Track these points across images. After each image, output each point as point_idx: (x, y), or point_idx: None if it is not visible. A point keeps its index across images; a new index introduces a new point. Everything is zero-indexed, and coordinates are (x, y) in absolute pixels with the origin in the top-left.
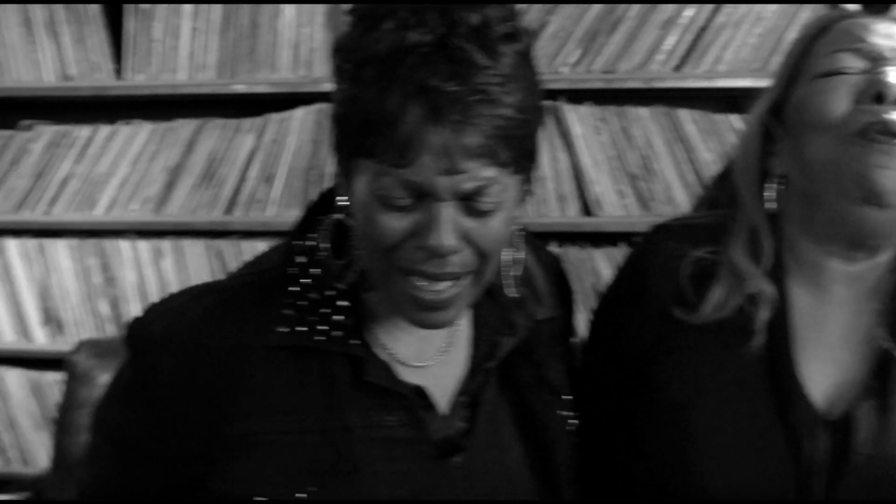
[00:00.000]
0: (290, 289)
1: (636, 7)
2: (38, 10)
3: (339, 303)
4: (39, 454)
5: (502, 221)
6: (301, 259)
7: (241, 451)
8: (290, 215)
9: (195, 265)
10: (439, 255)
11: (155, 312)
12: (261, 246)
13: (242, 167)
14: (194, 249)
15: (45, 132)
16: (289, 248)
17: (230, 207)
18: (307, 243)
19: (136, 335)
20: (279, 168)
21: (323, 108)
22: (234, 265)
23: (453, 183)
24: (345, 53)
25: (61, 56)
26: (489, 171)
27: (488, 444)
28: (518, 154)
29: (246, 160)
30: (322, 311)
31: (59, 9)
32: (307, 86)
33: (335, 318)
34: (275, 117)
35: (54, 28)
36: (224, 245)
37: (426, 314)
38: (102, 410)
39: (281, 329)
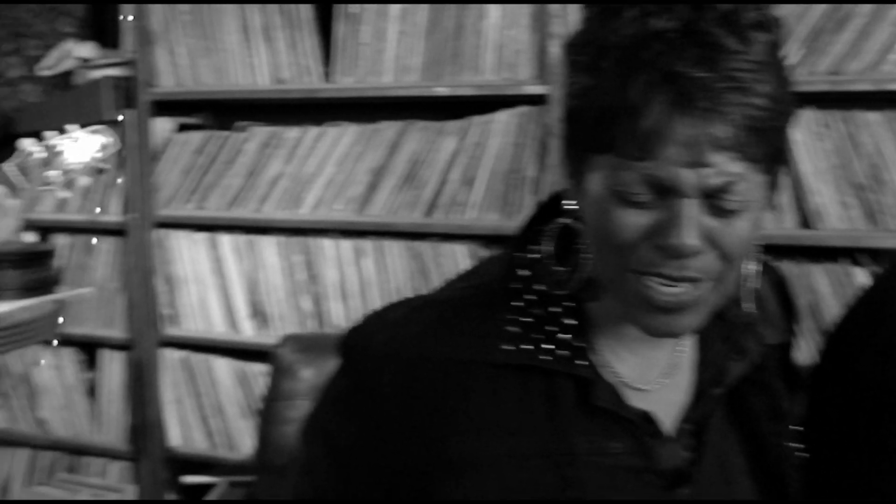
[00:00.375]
0: (514, 304)
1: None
2: (255, 17)
3: (566, 320)
4: (243, 440)
5: (748, 224)
6: (524, 272)
7: (462, 472)
8: (490, 219)
9: (394, 266)
10: (680, 255)
11: (374, 324)
12: (459, 249)
13: (444, 169)
14: (394, 250)
15: (258, 133)
16: (510, 260)
17: (430, 209)
18: (529, 255)
19: (355, 346)
20: (480, 171)
21: (526, 111)
22: (432, 267)
23: (699, 177)
24: (581, 46)
25: (275, 60)
26: (737, 167)
27: (716, 476)
28: (768, 150)
29: (447, 162)
30: (548, 328)
31: (275, 15)
32: (510, 88)
33: (561, 336)
34: (477, 120)
35: (269, 34)
36: (423, 247)
37: (661, 317)
38: (317, 420)
39: (505, 346)
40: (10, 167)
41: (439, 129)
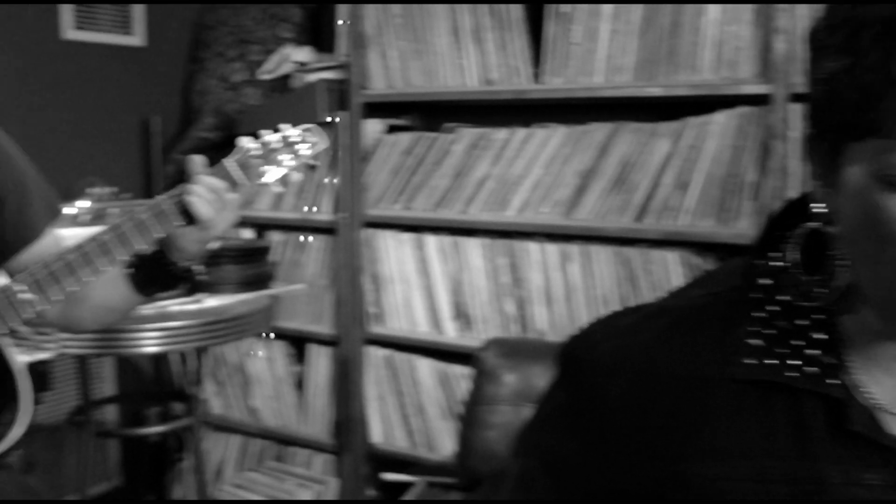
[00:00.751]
0: (755, 315)
1: None
2: (465, 19)
3: (814, 335)
4: (443, 441)
5: None
6: (765, 281)
7: (697, 496)
8: (705, 226)
9: (601, 272)
10: None
11: (598, 332)
12: (671, 256)
13: (656, 173)
14: (601, 256)
15: (466, 134)
16: (750, 267)
17: (641, 214)
18: (770, 263)
19: (578, 356)
20: (695, 175)
21: (746, 111)
22: (641, 275)
23: None
24: (831, 28)
25: (484, 61)
26: None
27: None
28: None
29: (660, 166)
30: (793, 342)
31: (486, 16)
32: (729, 87)
33: (809, 352)
34: (693, 121)
35: (479, 35)
36: (632, 253)
37: None
38: (535, 433)
39: (747, 361)
40: (230, 163)
41: (652, 130)
